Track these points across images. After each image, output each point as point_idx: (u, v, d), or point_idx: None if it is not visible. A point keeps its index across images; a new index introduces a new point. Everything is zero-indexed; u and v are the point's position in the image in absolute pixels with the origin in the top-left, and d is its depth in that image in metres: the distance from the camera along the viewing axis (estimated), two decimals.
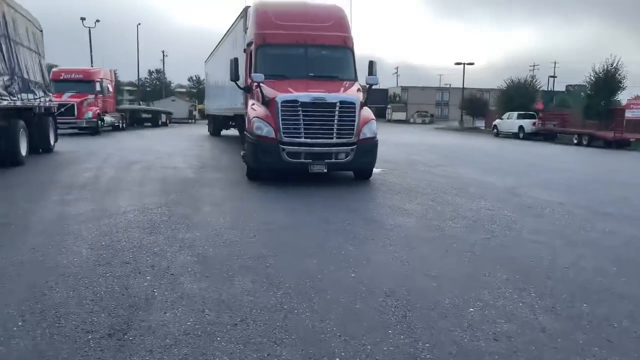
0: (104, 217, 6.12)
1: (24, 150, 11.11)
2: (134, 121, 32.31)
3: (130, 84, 75.28)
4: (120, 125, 27.57)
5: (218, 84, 21.31)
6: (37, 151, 13.00)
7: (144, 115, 34.40)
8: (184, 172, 10.51)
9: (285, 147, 8.69)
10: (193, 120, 45.72)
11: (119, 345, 2.91)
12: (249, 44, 10.85)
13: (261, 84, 9.21)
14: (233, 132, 22.18)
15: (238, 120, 16.94)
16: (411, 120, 65.37)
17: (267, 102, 9.03)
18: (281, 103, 8.76)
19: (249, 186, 8.80)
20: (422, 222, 6.27)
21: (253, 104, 9.67)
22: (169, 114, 38.80)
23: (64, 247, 4.82)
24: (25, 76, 12.12)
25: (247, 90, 10.60)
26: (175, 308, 3.46)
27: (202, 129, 30.38)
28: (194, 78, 78.87)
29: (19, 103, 11.21)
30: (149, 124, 34.34)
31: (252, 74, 9.63)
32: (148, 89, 75.60)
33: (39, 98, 13.17)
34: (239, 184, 9.06)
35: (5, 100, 10.28)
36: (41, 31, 14.66)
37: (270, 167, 8.98)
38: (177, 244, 4.99)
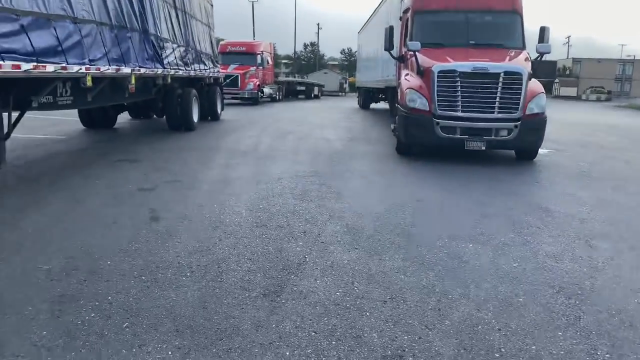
0: (262, 182, 6.45)
1: (195, 117, 12.28)
2: (289, 93, 33.97)
3: (287, 57, 79.20)
4: (277, 97, 29.18)
5: (370, 55, 21.23)
6: (206, 118, 14.30)
7: (299, 88, 35.96)
8: (335, 143, 10.67)
9: (439, 120, 8.24)
10: (343, 93, 46.61)
11: (273, 306, 2.99)
12: (405, 11, 10.46)
13: (417, 53, 8.82)
14: (383, 105, 22.05)
15: (389, 92, 16.75)
16: (583, 97, 58.49)
17: (422, 72, 8.63)
18: (438, 73, 8.28)
19: (399, 161, 8.58)
20: (601, 213, 5.46)
21: (407, 75, 9.34)
22: (321, 86, 40.03)
23: (227, 207, 5.17)
24: (198, 48, 13.30)
25: (401, 59, 10.28)
26: (325, 276, 3.46)
27: (352, 101, 30.80)
28: (346, 50, 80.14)
29: (192, 73, 12.36)
30: (303, 96, 35.83)
31: (407, 42, 9.28)
32: (303, 62, 78.85)
33: (209, 69, 14.40)
34: (389, 157, 8.90)
35: (181, 69, 11.40)
36: (212, 5, 15.93)
37: (422, 141, 8.63)
38: (327, 213, 5.03)
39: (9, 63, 4.76)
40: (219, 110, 15.21)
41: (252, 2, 43.83)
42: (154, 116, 13.55)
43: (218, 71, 15.84)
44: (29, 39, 5.26)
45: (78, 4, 6.51)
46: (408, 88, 8.72)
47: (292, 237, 4.28)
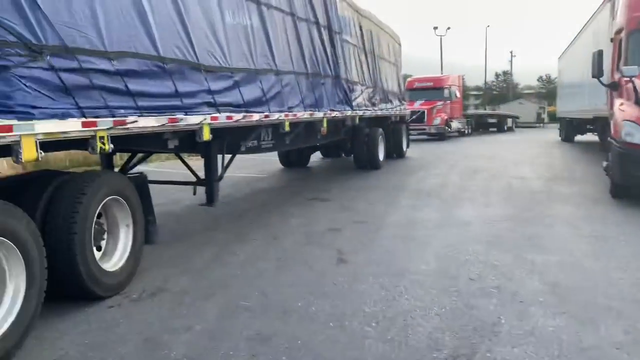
0: (449, 226, 6.13)
1: (381, 156, 12.48)
2: (479, 126, 32.56)
3: (477, 88, 76.53)
4: (466, 131, 28.18)
5: (574, 82, 19.14)
6: (392, 156, 14.43)
7: (489, 120, 34.22)
8: (532, 183, 9.72)
9: None
10: (542, 124, 42.82)
11: None
12: (618, 31, 9.16)
13: (634, 79, 7.58)
14: (590, 137, 19.58)
15: (598, 123, 14.78)
16: None
17: None
18: None
19: (613, 206, 7.35)
20: None
21: (622, 104, 8.07)
22: (515, 118, 37.49)
23: (412, 253, 5.00)
24: (385, 87, 13.62)
25: (614, 87, 8.97)
26: (525, 344, 3.02)
27: (552, 133, 28.04)
28: (544, 78, 74.09)
29: (379, 112, 12.65)
30: (494, 129, 33.99)
31: (622, 67, 8.05)
32: (494, 92, 75.20)
33: (396, 107, 14.60)
34: (599, 201, 7.69)
35: (369, 110, 11.75)
36: (399, 44, 16.27)
37: None
38: (526, 266, 4.49)
39: (224, 115, 5.43)
40: (404, 148, 15.26)
41: (440, 36, 43.73)
42: (343, 155, 14.22)
43: (404, 109, 15.98)
44: (240, 92, 5.96)
45: (280, 58, 7.19)
46: (624, 120, 7.50)
47: (485, 293, 3.89)
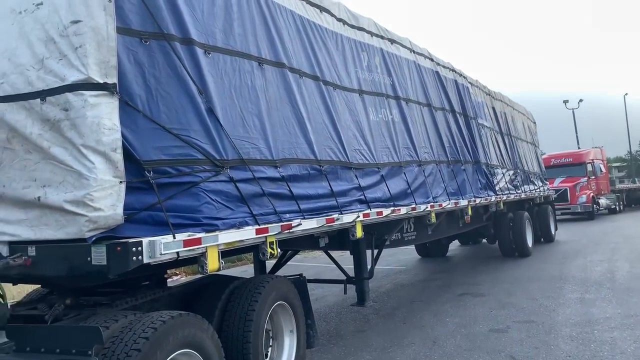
0: (638, 325, 5.22)
1: (530, 241, 11.48)
2: (631, 201, 29.10)
3: (619, 159, 69.64)
4: (617, 208, 25.29)
5: None
6: (540, 241, 13.24)
7: None
8: None
9: None
10: None
11: None
12: None
13: None
14: None
15: None
16: None
17: None
18: None
19: None
20: None
21: None
22: None
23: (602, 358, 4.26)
24: (526, 168, 12.86)
25: None
26: None
27: None
28: None
29: (522, 195, 11.85)
30: None
31: None
32: None
33: (539, 188, 13.63)
34: None
35: (512, 193, 11.06)
36: (534, 123, 15.53)
37: None
38: None
39: (374, 211, 5.39)
40: (553, 231, 13.96)
41: (573, 109, 41.12)
42: (483, 241, 13.37)
43: (548, 188, 14.88)
44: (386, 186, 5.93)
45: (421, 148, 7.14)
46: None
47: None
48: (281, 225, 3.84)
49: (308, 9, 5.25)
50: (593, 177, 22.81)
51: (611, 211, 24.77)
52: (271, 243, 3.75)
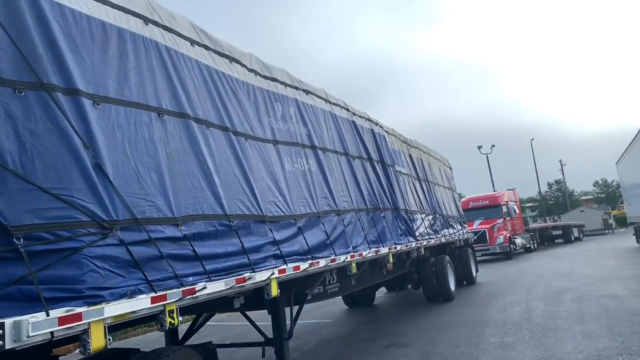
0: None
1: (452, 285, 11.64)
2: (544, 239, 30.95)
3: (531, 199, 74.72)
4: (532, 246, 26.72)
5: None
6: (462, 283, 13.51)
7: (554, 232, 32.56)
8: (630, 301, 8.63)
9: None
10: (610, 231, 40.32)
11: None
12: None
13: None
14: None
15: None
16: None
17: None
18: None
19: None
20: None
21: None
22: (580, 226, 35.59)
23: None
24: (444, 212, 13.20)
25: None
26: None
27: (625, 240, 26.13)
28: (600, 182, 71.93)
29: (443, 239, 12.10)
30: (561, 240, 32.17)
31: None
32: (550, 202, 73.05)
33: (458, 231, 14.03)
34: None
35: (432, 238, 11.26)
36: (450, 168, 16.20)
37: None
38: None
39: (290, 266, 5.14)
40: (474, 273, 14.33)
41: (486, 154, 43.87)
42: (410, 287, 13.43)
43: (467, 231, 15.37)
44: (304, 238, 5.73)
45: (339, 197, 7.07)
46: None
47: None
48: (182, 291, 3.49)
49: (216, 59, 5.11)
50: (508, 218, 24.05)
51: (527, 250, 26.10)
52: (171, 311, 3.38)
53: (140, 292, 3.18)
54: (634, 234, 22.99)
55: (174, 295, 3.39)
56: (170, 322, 3.34)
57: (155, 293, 3.26)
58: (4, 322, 2.43)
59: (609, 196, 71.14)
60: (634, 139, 18.06)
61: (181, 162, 4.04)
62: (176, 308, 3.42)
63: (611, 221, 41.79)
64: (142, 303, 3.13)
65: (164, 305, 3.31)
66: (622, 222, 39.08)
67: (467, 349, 6.60)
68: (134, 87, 3.78)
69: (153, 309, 3.24)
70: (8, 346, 2.42)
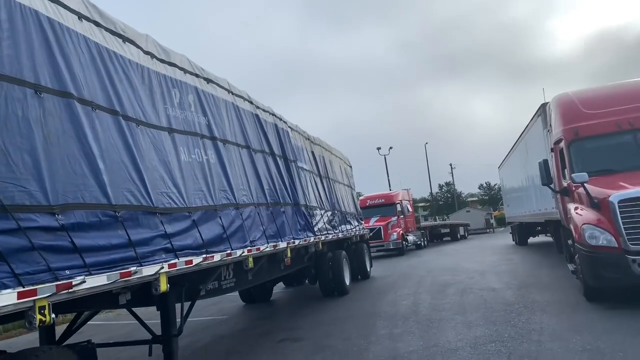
0: (437, 355, 5.61)
1: (347, 280, 11.97)
2: (433, 237, 33.02)
3: (423, 199, 79.47)
4: (422, 243, 28.38)
5: (517, 187, 20.12)
6: (357, 278, 13.96)
7: (443, 231, 34.93)
8: (504, 294, 9.45)
9: (635, 257, 6.90)
10: (491, 230, 44.16)
11: None
12: (557, 142, 9.70)
13: (584, 184, 7.85)
14: (542, 238, 20.08)
15: (551, 226, 15.21)
16: None
17: (596, 204, 7.57)
18: (618, 203, 7.19)
19: (593, 310, 7.14)
20: None
21: (576, 208, 8.28)
22: (466, 225, 38.54)
23: None
24: (343, 209, 13.58)
25: (565, 192, 9.27)
26: None
27: (503, 238, 28.74)
28: (484, 185, 78.29)
29: (340, 235, 12.42)
30: (448, 238, 34.54)
31: (573, 175, 8.32)
32: (440, 203, 78.22)
33: (354, 227, 14.49)
34: (578, 307, 7.49)
35: (330, 234, 11.51)
36: (350, 167, 16.68)
37: (617, 283, 7.23)
38: None
39: (182, 260, 4.94)
40: (368, 268, 14.89)
41: (384, 155, 46.02)
42: (307, 282, 13.60)
43: (363, 228, 15.91)
44: (199, 232, 5.54)
45: (239, 191, 6.94)
46: (584, 224, 7.62)
47: None
48: (57, 285, 3.19)
49: (108, 38, 4.76)
50: (402, 216, 25.31)
51: (418, 246, 27.69)
52: (42, 308, 3.07)
53: (5, 286, 2.85)
54: (510, 233, 25.37)
55: (46, 290, 3.09)
56: (40, 319, 3.04)
57: (24, 287, 2.94)
58: None
59: (491, 198, 77.79)
60: (513, 146, 19.85)
61: (61, 145, 3.70)
62: (48, 304, 3.12)
63: (492, 221, 45.85)
64: (6, 298, 2.81)
65: (34, 300, 3.01)
66: (501, 222, 43.00)
67: (358, 340, 6.81)
68: (6, 58, 3.38)
69: (20, 305, 2.92)
70: None
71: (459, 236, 35.34)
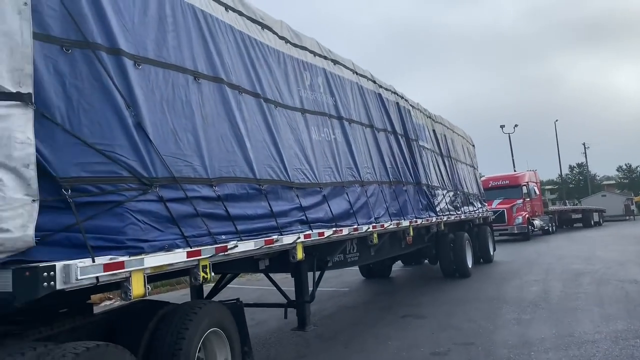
0: (572, 346, 5.35)
1: (469, 262, 11.69)
2: (563, 223, 30.67)
3: (551, 182, 73.68)
4: (550, 229, 26.52)
5: None
6: (479, 261, 13.55)
7: (574, 216, 32.24)
8: None
9: None
10: (632, 217, 39.72)
11: None
12: None
13: None
14: None
15: None
16: None
17: None
18: None
19: None
20: None
21: None
22: (601, 211, 35.14)
23: None
24: (465, 190, 13.21)
25: None
26: None
27: None
28: (624, 167, 70.51)
29: (462, 216, 12.12)
30: (580, 225, 31.86)
31: None
32: (571, 186, 71.98)
33: (478, 209, 14.03)
34: None
35: (452, 214, 11.30)
36: (473, 146, 16.07)
37: None
38: None
39: (315, 232, 5.27)
40: (491, 252, 14.36)
41: (509, 134, 43.20)
42: (425, 261, 13.54)
43: (486, 210, 15.35)
44: (329, 206, 5.84)
45: (363, 169, 7.14)
46: None
47: None
48: (216, 248, 3.64)
49: (249, 26, 5.15)
50: (528, 199, 23.81)
51: (545, 232, 25.91)
52: (204, 267, 3.54)
53: (177, 246, 3.34)
54: None
55: (208, 252, 3.54)
56: (203, 276, 3.51)
57: (191, 248, 3.41)
58: (55, 265, 2.60)
59: (632, 182, 69.77)
60: None
61: (215, 125, 4.14)
62: (209, 264, 3.58)
63: (633, 207, 41.13)
64: (178, 256, 3.28)
65: (199, 260, 3.47)
66: None
67: (484, 323, 6.71)
68: (171, 49, 3.86)
69: (188, 263, 3.39)
70: (59, 287, 2.59)
71: (592, 222, 32.34)
